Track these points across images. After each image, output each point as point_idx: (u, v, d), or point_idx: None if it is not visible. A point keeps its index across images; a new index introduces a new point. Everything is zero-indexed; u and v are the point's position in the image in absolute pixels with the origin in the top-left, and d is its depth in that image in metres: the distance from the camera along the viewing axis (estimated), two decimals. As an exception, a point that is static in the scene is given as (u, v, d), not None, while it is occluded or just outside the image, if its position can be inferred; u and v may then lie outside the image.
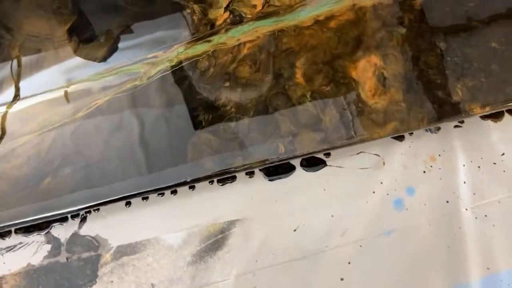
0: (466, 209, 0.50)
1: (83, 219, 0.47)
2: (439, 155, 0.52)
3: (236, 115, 0.47)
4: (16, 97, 0.46)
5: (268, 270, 0.48)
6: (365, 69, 0.49)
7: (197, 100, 0.47)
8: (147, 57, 0.48)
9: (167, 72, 0.47)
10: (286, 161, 0.49)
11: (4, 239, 0.46)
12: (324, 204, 0.49)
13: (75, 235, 0.47)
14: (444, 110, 0.48)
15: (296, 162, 0.50)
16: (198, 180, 0.46)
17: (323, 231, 0.49)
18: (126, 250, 0.47)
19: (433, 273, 0.48)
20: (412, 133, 0.52)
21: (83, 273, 0.45)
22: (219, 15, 0.49)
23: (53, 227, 0.47)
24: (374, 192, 0.50)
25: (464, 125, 0.53)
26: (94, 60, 0.47)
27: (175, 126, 0.46)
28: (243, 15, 0.49)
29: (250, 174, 0.49)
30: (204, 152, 0.46)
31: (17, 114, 0.46)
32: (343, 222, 0.49)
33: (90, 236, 0.47)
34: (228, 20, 0.49)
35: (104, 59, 0.47)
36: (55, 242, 0.46)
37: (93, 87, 0.47)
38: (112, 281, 0.46)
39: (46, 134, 0.45)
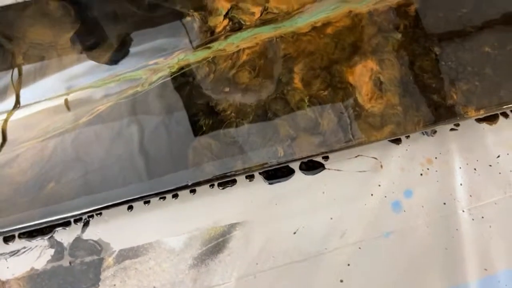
0: (463, 211, 0.51)
1: (86, 224, 0.48)
2: (436, 157, 0.53)
3: (236, 119, 0.48)
4: (17, 105, 0.47)
5: (268, 273, 0.48)
6: (362, 74, 0.50)
7: (198, 105, 0.48)
8: (148, 63, 0.49)
9: (168, 78, 0.48)
10: (285, 165, 0.49)
11: (7, 244, 0.46)
12: (323, 206, 0.50)
13: (78, 239, 0.47)
14: (440, 113, 0.49)
15: (295, 166, 0.51)
16: (199, 183, 0.47)
17: (322, 233, 0.49)
18: (128, 254, 0.47)
19: (431, 274, 0.49)
20: (408, 136, 0.53)
21: (86, 277, 0.46)
22: (219, 22, 0.50)
23: (56, 232, 0.47)
24: (372, 195, 0.51)
25: (459, 128, 0.54)
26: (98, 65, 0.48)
27: (176, 131, 0.47)
28: (242, 22, 0.51)
29: (250, 177, 0.50)
30: (204, 156, 0.47)
31: (20, 121, 0.47)
32: (342, 225, 0.50)
33: (93, 240, 0.47)
34: (228, 27, 0.50)
35: (106, 65, 0.48)
36: (58, 247, 0.47)
37: (95, 94, 0.48)
38: (114, 285, 0.46)
39: (50, 140, 0.46)
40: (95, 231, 0.48)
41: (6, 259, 0.46)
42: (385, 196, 0.51)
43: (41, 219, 0.45)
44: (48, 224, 0.46)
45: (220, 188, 0.49)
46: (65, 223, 0.47)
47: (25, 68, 0.48)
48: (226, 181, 0.49)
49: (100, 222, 0.48)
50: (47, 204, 0.44)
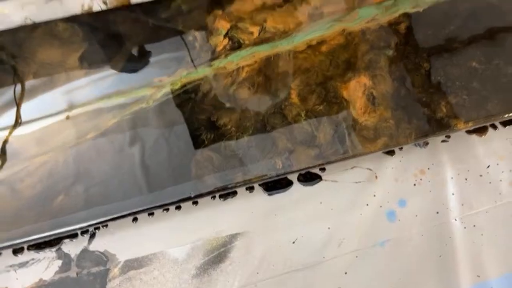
0: (455, 220, 0.53)
1: (92, 235, 0.49)
2: (428, 168, 0.55)
3: (236, 133, 0.50)
4: (18, 122, 0.49)
5: (269, 282, 0.49)
6: (356, 89, 0.52)
7: (200, 120, 0.50)
8: (153, 81, 0.51)
9: (172, 95, 0.51)
10: (284, 176, 0.51)
11: (17, 256, 0.48)
12: (321, 216, 0.52)
13: (84, 250, 0.49)
14: (430, 126, 0.52)
15: (293, 177, 0.53)
16: (201, 195, 0.48)
17: (320, 242, 0.51)
18: (133, 264, 0.49)
19: (426, 282, 0.50)
20: (402, 148, 0.55)
21: (93, 287, 0.47)
22: (219, 41, 0.53)
23: (63, 244, 0.49)
24: (367, 205, 0.53)
25: (450, 140, 0.56)
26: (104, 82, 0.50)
27: (179, 145, 0.49)
28: (241, 41, 0.53)
29: (250, 189, 0.52)
30: (206, 169, 0.49)
31: (30, 136, 0.49)
32: (339, 234, 0.51)
33: (99, 252, 0.49)
34: (228, 46, 0.53)
35: (112, 82, 0.51)
36: (65, 258, 0.48)
37: (102, 110, 0.50)
38: (120, 294, 0.48)
39: (59, 154, 0.48)
40: (101, 243, 0.49)
41: (15, 271, 0.47)
42: (380, 206, 0.53)
43: (49, 231, 0.46)
44: (56, 236, 0.48)
45: (222, 199, 0.51)
46: (72, 235, 0.49)
47: (34, 85, 0.50)
48: (227, 192, 0.51)
49: (106, 233, 0.49)
50: (55, 217, 0.46)
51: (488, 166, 0.55)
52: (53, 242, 0.48)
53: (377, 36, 0.55)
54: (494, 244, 0.52)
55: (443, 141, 0.56)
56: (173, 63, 0.52)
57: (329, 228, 0.51)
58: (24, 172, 0.47)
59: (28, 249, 0.48)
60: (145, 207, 0.48)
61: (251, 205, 0.52)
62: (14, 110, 0.50)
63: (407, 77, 0.53)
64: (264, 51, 0.53)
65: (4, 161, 0.47)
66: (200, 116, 0.50)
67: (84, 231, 0.49)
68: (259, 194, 0.52)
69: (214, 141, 0.49)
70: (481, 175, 0.55)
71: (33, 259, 0.48)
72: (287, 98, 0.51)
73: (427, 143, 0.55)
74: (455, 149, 0.55)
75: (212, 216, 0.51)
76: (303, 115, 0.51)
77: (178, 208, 0.50)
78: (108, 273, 0.48)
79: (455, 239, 0.52)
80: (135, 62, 0.52)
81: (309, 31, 0.54)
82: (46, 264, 0.48)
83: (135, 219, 0.50)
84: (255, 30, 0.54)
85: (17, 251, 0.48)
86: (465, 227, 0.52)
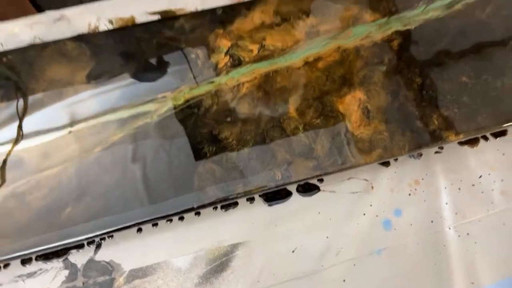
0: (449, 228, 0.54)
1: (98, 246, 0.51)
2: (423, 179, 0.57)
3: (237, 146, 0.52)
4: (19, 136, 0.51)
5: (269, 290, 0.51)
6: (351, 103, 0.54)
7: (202, 134, 0.52)
8: (157, 97, 0.53)
9: (175, 110, 0.53)
10: (283, 187, 0.53)
11: (25, 266, 0.49)
12: (319, 226, 0.53)
13: (91, 260, 0.50)
14: (423, 138, 0.54)
15: (292, 188, 0.54)
16: (203, 206, 0.50)
17: (319, 251, 0.52)
18: (138, 274, 0.50)
19: (422, 288, 0.52)
20: (396, 159, 0.57)
21: (98, 296, 0.49)
22: (220, 59, 0.55)
23: (70, 254, 0.50)
24: (364, 214, 0.54)
25: (443, 151, 0.58)
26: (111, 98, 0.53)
27: (183, 158, 0.51)
28: (242, 58, 0.56)
29: (251, 200, 0.53)
30: (208, 181, 0.50)
31: (39, 149, 0.51)
32: (337, 243, 0.53)
33: (105, 261, 0.50)
34: (229, 63, 0.55)
35: (118, 98, 0.53)
36: (72, 268, 0.50)
37: (109, 125, 0.52)
38: (125, 303, 0.49)
39: (67, 167, 0.50)
40: (106, 253, 0.51)
41: (23, 281, 0.49)
42: (377, 216, 0.54)
43: (57, 242, 0.48)
44: (63, 247, 0.49)
45: (223, 210, 0.53)
46: (79, 246, 0.50)
47: (45, 100, 0.53)
48: (228, 203, 0.52)
49: (112, 244, 0.51)
50: (63, 228, 0.48)
51: (480, 176, 0.57)
52: (60, 253, 0.50)
53: (371, 52, 0.57)
54: (487, 251, 0.53)
55: (436, 152, 0.58)
56: (177, 79, 0.54)
57: (327, 237, 0.53)
58: (34, 184, 0.49)
59: (36, 259, 0.49)
60: (149, 218, 0.49)
61: (252, 216, 0.53)
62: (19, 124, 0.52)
63: (400, 92, 0.56)
64: (263, 67, 0.55)
65: (4, 175, 0.49)
66: (203, 130, 0.52)
67: (90, 242, 0.50)
68: (260, 204, 0.54)
69: (216, 154, 0.51)
70: (473, 185, 0.56)
71: (41, 269, 0.49)
72: (285, 112, 0.54)
73: (421, 155, 0.57)
74: (448, 160, 0.57)
75: (214, 226, 0.52)
76: (301, 128, 0.53)
77: (181, 219, 0.52)
78: (113, 282, 0.49)
79: (449, 247, 0.53)
80: (139, 79, 0.54)
81: (306, 48, 0.57)
82: (53, 274, 0.49)
83: (139, 230, 0.51)
84: (255, 48, 0.56)
85: (25, 261, 0.49)
86: (459, 236, 0.54)
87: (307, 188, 0.54)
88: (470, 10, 0.61)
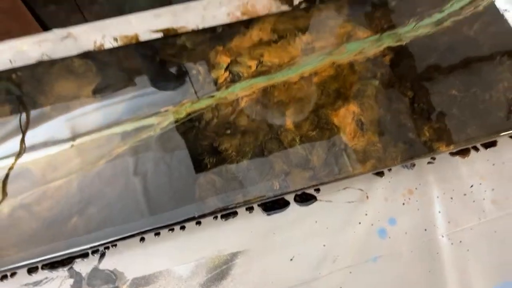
0: (442, 236, 0.56)
1: (102, 255, 0.52)
2: (416, 188, 0.58)
3: (237, 158, 0.54)
4: (22, 149, 0.53)
5: (268, 298, 0.52)
6: (345, 116, 0.57)
7: (203, 146, 0.54)
8: (160, 110, 0.56)
9: (177, 123, 0.55)
10: (281, 197, 0.55)
11: (31, 275, 0.51)
12: (316, 235, 0.55)
13: (95, 269, 0.52)
14: (415, 149, 0.56)
15: (290, 198, 0.56)
16: (204, 215, 0.52)
17: (316, 259, 0.53)
18: (140, 282, 0.51)
19: (417, 295, 0.53)
20: (390, 169, 0.58)
21: (102, 304, 0.50)
22: (221, 74, 0.58)
23: (75, 263, 0.52)
24: (360, 223, 0.56)
25: (436, 161, 0.60)
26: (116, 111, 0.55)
27: (184, 169, 0.53)
28: (241, 74, 0.58)
29: (250, 209, 0.55)
30: (209, 191, 0.52)
31: (48, 161, 0.53)
32: (334, 251, 0.54)
33: (109, 270, 0.52)
34: (228, 78, 0.58)
35: (123, 112, 0.55)
36: (77, 277, 0.51)
37: (114, 137, 0.54)
38: (128, 311, 0.50)
39: (73, 178, 0.52)
40: (110, 262, 0.52)
41: (30, 289, 0.50)
42: (372, 224, 0.56)
43: (63, 251, 0.49)
44: (68, 256, 0.51)
45: (223, 219, 0.55)
46: (84, 255, 0.52)
47: (54, 115, 0.55)
48: (228, 213, 0.54)
49: (115, 253, 0.52)
50: (69, 237, 0.50)
51: (472, 186, 0.59)
52: (66, 262, 0.51)
53: (364, 67, 0.60)
54: (479, 259, 0.55)
55: (429, 162, 0.60)
56: (179, 94, 0.56)
57: (324, 245, 0.54)
58: (40, 196, 0.51)
59: (42, 268, 0.51)
60: (152, 227, 0.51)
61: (251, 225, 0.55)
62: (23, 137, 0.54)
63: (392, 105, 0.58)
64: (261, 82, 0.58)
65: (5, 189, 0.51)
66: (203, 142, 0.54)
67: (94, 251, 0.52)
68: (258, 214, 0.55)
69: (216, 165, 0.53)
70: (465, 194, 0.58)
71: (46, 278, 0.51)
72: (282, 124, 0.56)
73: (414, 165, 0.59)
74: (440, 170, 0.59)
75: (214, 235, 0.54)
76: (297, 140, 0.55)
77: (183, 228, 0.54)
78: (117, 290, 0.51)
79: (442, 255, 0.55)
80: (144, 94, 0.57)
81: (302, 64, 0.59)
82: (58, 283, 0.51)
83: (142, 239, 0.53)
84: (253, 64, 0.59)
85: (31, 270, 0.51)
86: (452, 243, 0.55)
87: (304, 198, 0.56)
88: (458, 27, 0.64)
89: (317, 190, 0.57)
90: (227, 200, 0.52)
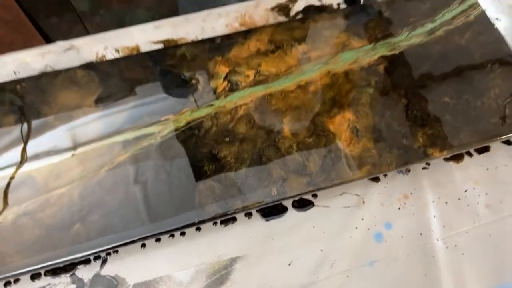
0: (438, 240, 0.57)
1: (104, 261, 0.53)
2: (411, 193, 0.60)
3: (235, 164, 0.55)
4: (23, 159, 0.55)
5: (267, 302, 0.53)
6: (341, 123, 0.58)
7: (202, 153, 0.56)
8: (160, 119, 0.57)
9: (178, 132, 0.57)
10: (279, 203, 0.56)
11: (34, 281, 0.52)
12: (314, 239, 0.56)
13: (97, 275, 0.53)
14: (409, 155, 0.57)
15: (288, 204, 0.57)
16: (203, 221, 0.53)
17: (314, 264, 0.54)
18: (141, 287, 0.52)
19: (414, 299, 0.54)
20: (386, 175, 0.60)
21: (104, 309, 0.51)
22: (219, 84, 0.60)
23: (77, 269, 0.53)
24: (356, 228, 0.57)
25: (430, 167, 0.61)
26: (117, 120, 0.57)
27: (184, 176, 0.54)
28: (239, 83, 0.60)
29: (249, 215, 0.56)
30: (208, 197, 0.54)
31: (51, 169, 0.54)
32: (331, 255, 0.55)
33: (110, 276, 0.53)
34: (227, 88, 0.60)
35: (124, 121, 0.57)
36: (79, 283, 0.52)
37: (115, 146, 0.56)
38: (129, 316, 0.51)
39: (76, 186, 0.53)
40: (112, 268, 0.53)
41: (33, 295, 0.51)
42: (368, 229, 0.57)
43: (65, 257, 0.51)
44: (71, 262, 0.52)
45: (222, 225, 0.56)
46: (86, 261, 0.53)
47: (57, 124, 0.56)
48: (227, 218, 0.55)
49: (117, 259, 0.53)
50: (72, 244, 0.51)
51: (466, 191, 0.60)
52: (68, 268, 0.52)
53: (359, 76, 0.62)
54: (474, 262, 0.56)
55: (423, 168, 0.61)
56: (179, 103, 0.58)
57: (322, 250, 0.55)
58: (45, 202, 0.52)
59: (45, 274, 0.52)
60: (153, 233, 0.52)
61: (250, 231, 0.56)
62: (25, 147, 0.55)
63: (386, 112, 0.60)
64: (259, 91, 0.59)
65: (6, 196, 0.52)
66: (203, 150, 0.56)
67: (96, 257, 0.53)
68: (257, 220, 0.57)
69: (216, 172, 0.55)
70: (459, 199, 0.59)
71: (49, 284, 0.52)
72: (280, 132, 0.57)
73: (409, 170, 0.60)
74: (435, 175, 0.60)
75: (214, 241, 0.55)
76: (294, 147, 0.57)
77: (183, 234, 0.55)
78: (118, 296, 0.52)
79: (438, 258, 0.56)
80: (145, 103, 0.58)
81: (298, 73, 0.61)
82: (61, 289, 0.52)
83: (143, 245, 0.54)
84: (251, 73, 0.60)
85: (34, 276, 0.52)
86: (447, 247, 0.56)
87: (302, 204, 0.57)
88: (450, 36, 0.66)
89: (315, 195, 0.58)
90: (226, 206, 0.53)
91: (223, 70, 0.60)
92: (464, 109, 0.61)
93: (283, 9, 0.70)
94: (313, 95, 0.60)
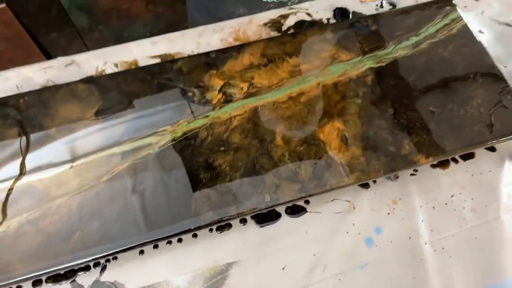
0: (426, 244, 0.59)
1: (104, 268, 0.55)
2: (400, 199, 0.62)
3: (230, 172, 0.58)
4: (22, 172, 0.57)
5: (262, 306, 0.55)
6: (330, 132, 0.61)
7: (198, 162, 0.58)
8: (157, 130, 0.60)
9: (174, 142, 0.59)
10: (273, 209, 0.58)
11: (35, 288, 0.53)
12: (306, 244, 0.58)
13: (96, 282, 0.54)
14: (396, 162, 0.60)
15: (281, 210, 0.60)
16: (199, 228, 0.55)
17: (307, 268, 0.56)
18: (140, 293, 0.54)
19: (403, 300, 0.56)
20: (375, 181, 0.62)
21: (103, 314, 0.52)
22: (214, 96, 0.62)
23: (77, 276, 0.54)
24: (347, 232, 0.59)
25: (418, 173, 0.63)
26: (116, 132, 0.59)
27: (181, 185, 0.57)
28: (233, 95, 0.63)
29: (243, 221, 0.58)
30: (204, 204, 0.56)
31: (52, 179, 0.56)
32: (323, 259, 0.57)
33: (109, 282, 0.54)
34: (222, 99, 0.62)
35: (123, 132, 0.59)
36: (79, 289, 0.54)
37: (114, 156, 0.58)
38: (128, 321, 0.53)
39: (77, 195, 0.55)
40: (111, 274, 0.55)
41: (34, 302, 0.53)
42: (359, 233, 0.59)
43: (66, 264, 0.52)
44: (71, 269, 0.54)
45: (218, 232, 0.58)
46: (86, 268, 0.55)
47: (58, 136, 0.59)
48: (222, 225, 0.57)
49: (116, 266, 0.55)
50: (72, 251, 0.52)
51: (452, 196, 0.62)
52: (69, 275, 0.54)
53: (347, 87, 0.65)
54: (461, 264, 0.58)
55: (411, 174, 0.63)
56: (176, 115, 0.61)
57: (314, 254, 0.57)
58: (46, 211, 0.54)
59: (46, 281, 0.53)
60: (151, 239, 0.54)
61: (245, 236, 0.58)
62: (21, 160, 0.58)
63: (374, 121, 0.62)
64: (252, 103, 0.62)
65: (5, 208, 0.54)
66: (199, 159, 0.58)
67: (96, 264, 0.55)
68: (252, 226, 0.59)
69: (211, 180, 0.57)
70: (446, 204, 0.62)
71: (50, 290, 0.53)
72: (272, 141, 0.60)
73: (397, 177, 0.63)
74: (423, 181, 0.63)
75: (209, 247, 0.57)
76: (287, 155, 0.59)
77: (180, 241, 0.57)
78: (117, 301, 0.53)
79: (426, 261, 0.58)
80: (143, 115, 0.61)
81: (289, 85, 0.64)
82: (62, 295, 0.53)
83: (141, 252, 0.56)
84: (245, 86, 0.63)
85: (36, 283, 0.53)
86: (435, 250, 0.59)
87: (295, 210, 0.59)
88: (434, 48, 0.69)
89: (307, 202, 0.60)
90: (222, 212, 0.55)
91: (218, 82, 0.63)
92: (448, 117, 0.64)
93: (275, 24, 0.73)
94: (304, 106, 0.62)
